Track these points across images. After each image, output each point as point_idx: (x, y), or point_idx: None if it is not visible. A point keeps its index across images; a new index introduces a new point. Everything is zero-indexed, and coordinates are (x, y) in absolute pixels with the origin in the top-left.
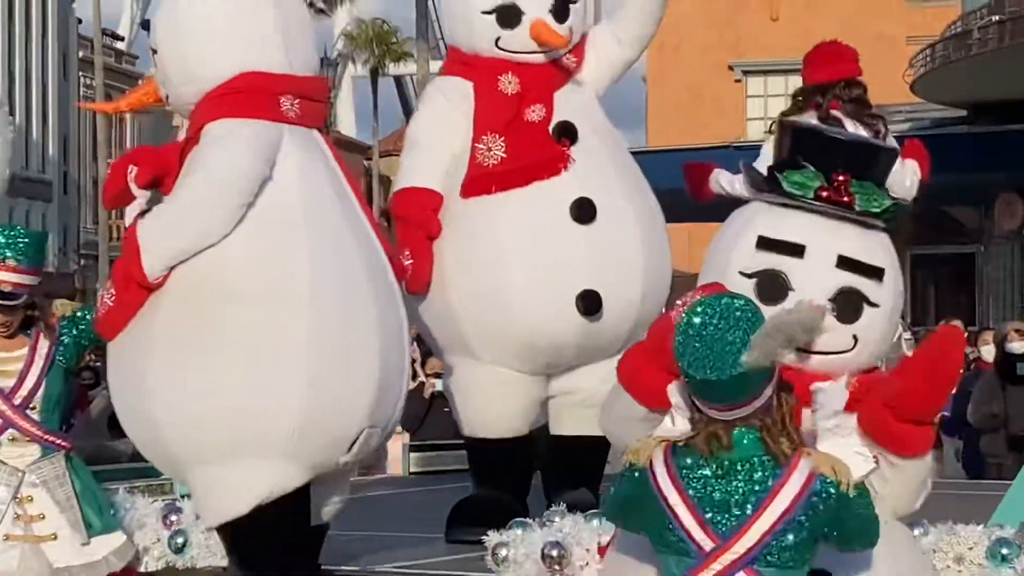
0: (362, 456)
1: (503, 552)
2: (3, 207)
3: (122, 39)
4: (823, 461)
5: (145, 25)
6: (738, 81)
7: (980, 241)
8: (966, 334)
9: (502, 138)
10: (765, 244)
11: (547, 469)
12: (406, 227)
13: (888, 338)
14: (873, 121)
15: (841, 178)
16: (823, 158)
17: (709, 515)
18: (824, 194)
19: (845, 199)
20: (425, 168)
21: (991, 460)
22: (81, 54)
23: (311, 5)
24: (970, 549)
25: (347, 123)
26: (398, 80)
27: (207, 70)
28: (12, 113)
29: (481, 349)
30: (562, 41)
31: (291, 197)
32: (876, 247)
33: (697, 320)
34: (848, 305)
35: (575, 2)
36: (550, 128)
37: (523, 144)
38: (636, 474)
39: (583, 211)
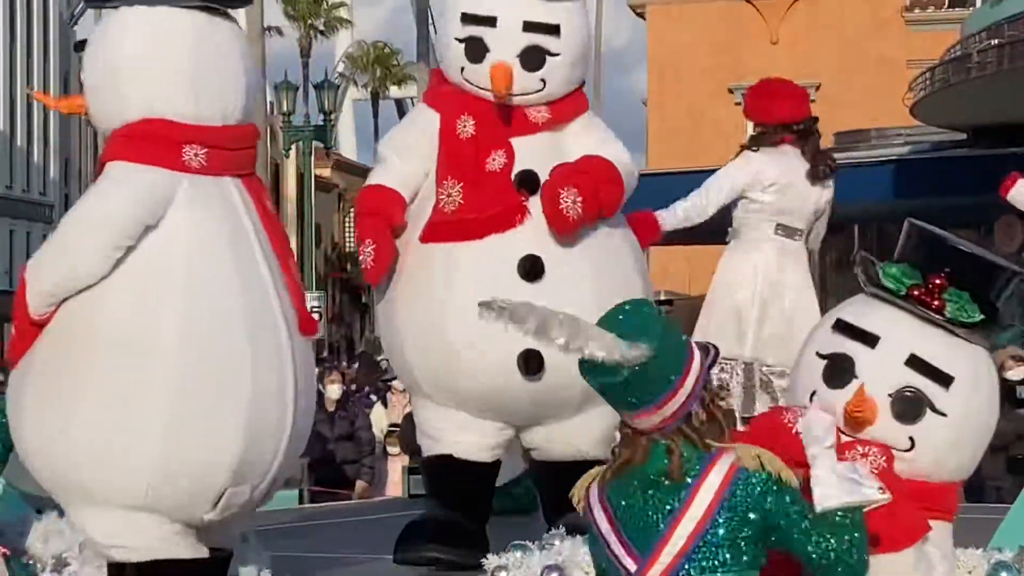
0: (233, 513)
1: (502, 575)
2: (3, 229)
3: None
4: (745, 453)
5: (79, 47)
6: (738, 104)
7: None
8: None
9: (460, 184)
10: (842, 328)
11: (542, 492)
12: (367, 217)
13: (960, 453)
14: (828, 160)
15: (937, 281)
16: (933, 260)
17: (633, 535)
18: (916, 293)
19: (935, 303)
20: (393, 176)
21: (990, 483)
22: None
23: (269, 28)
24: (969, 573)
25: (348, 146)
26: (399, 103)
27: (117, 108)
28: (13, 135)
29: (437, 396)
30: (502, 87)
31: (175, 248)
32: (958, 357)
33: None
34: (908, 405)
35: (555, 55)
36: (512, 177)
37: (481, 194)
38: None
39: (530, 268)
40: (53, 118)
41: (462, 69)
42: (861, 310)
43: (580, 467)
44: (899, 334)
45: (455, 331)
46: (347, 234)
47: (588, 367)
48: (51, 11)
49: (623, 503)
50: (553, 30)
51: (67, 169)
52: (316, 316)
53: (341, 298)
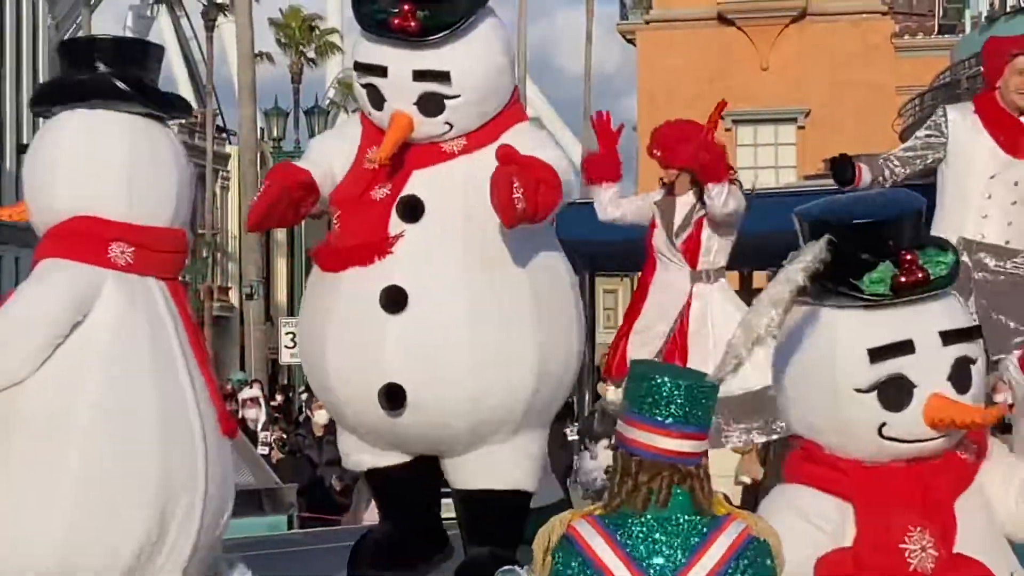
0: None
1: None
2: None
3: None
4: (757, 523)
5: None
6: (728, 130)
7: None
8: None
9: (339, 212)
10: (878, 355)
11: (460, 522)
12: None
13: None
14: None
15: (909, 257)
16: (879, 245)
17: (650, 566)
18: (903, 280)
19: (922, 275)
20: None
21: None
22: None
23: (260, 55)
24: None
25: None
26: None
27: (51, 204)
28: (2, 159)
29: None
30: (382, 156)
31: (96, 340)
32: (957, 306)
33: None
34: (963, 375)
35: (454, 97)
36: (393, 207)
37: (353, 224)
38: (573, 564)
39: (392, 299)
40: None
41: (369, 114)
42: (871, 332)
43: (489, 499)
44: (921, 327)
45: (327, 361)
46: None
47: None
48: (40, 37)
49: (643, 548)
50: (443, 77)
51: None
52: None
53: None
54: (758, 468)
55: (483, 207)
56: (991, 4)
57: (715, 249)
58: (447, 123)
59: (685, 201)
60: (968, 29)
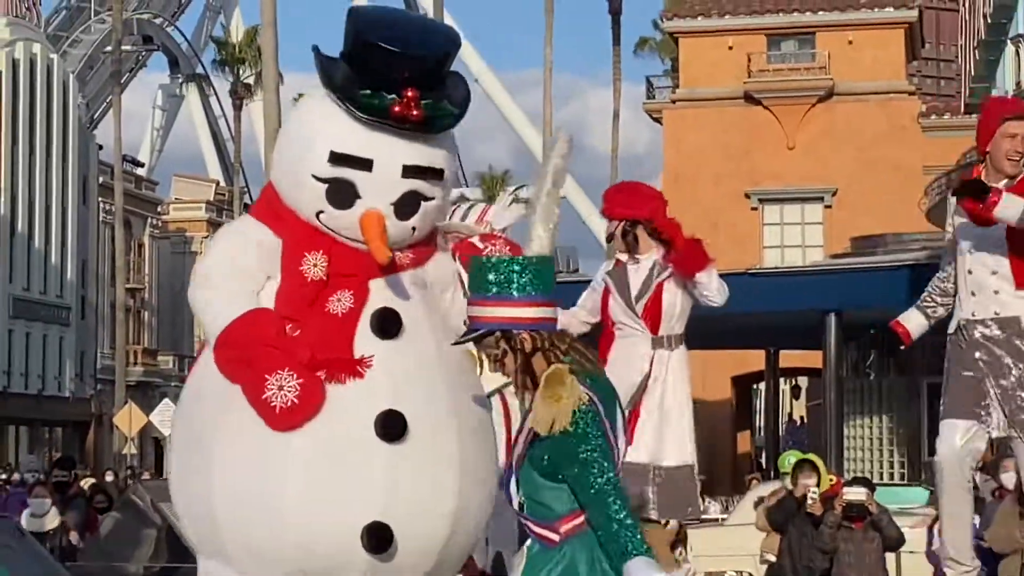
0: None
1: None
2: (20, 331)
3: (142, 165)
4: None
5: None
6: (754, 209)
7: None
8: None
9: (298, 331)
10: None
11: None
12: (261, 347)
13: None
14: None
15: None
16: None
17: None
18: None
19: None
20: (241, 298)
21: None
22: (101, 180)
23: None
24: None
25: None
26: None
27: None
28: (32, 237)
29: (240, 560)
30: (384, 256)
31: None
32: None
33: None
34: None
35: (430, 199)
36: (360, 320)
37: (321, 340)
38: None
39: (389, 426)
40: (71, 221)
41: (319, 213)
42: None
43: None
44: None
45: (288, 481)
46: None
47: None
48: (71, 116)
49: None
50: (437, 175)
51: (84, 271)
52: None
53: None
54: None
55: (441, 324)
56: (1017, 83)
57: (677, 314)
58: (414, 227)
59: (641, 266)
60: None
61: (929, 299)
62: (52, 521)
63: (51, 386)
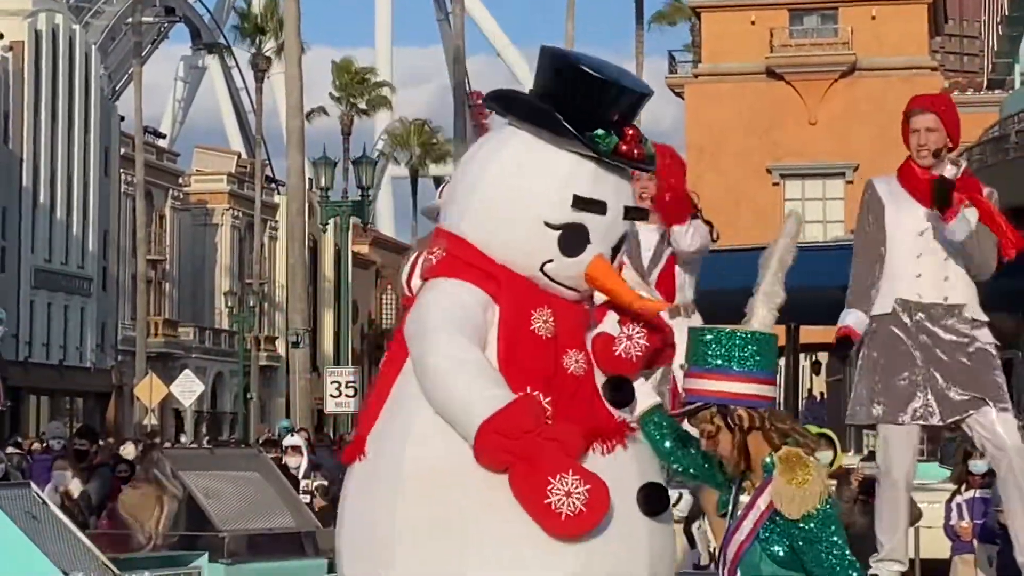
0: None
1: None
2: (42, 301)
3: (163, 136)
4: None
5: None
6: (776, 184)
7: (1018, 347)
8: None
9: (548, 399)
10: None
11: None
12: (541, 450)
13: None
14: None
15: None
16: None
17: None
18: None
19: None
20: (489, 370)
21: None
22: (123, 151)
23: (313, 110)
24: None
25: (386, 223)
26: (437, 181)
27: None
28: (53, 208)
29: None
30: (642, 303)
31: None
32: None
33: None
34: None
35: (626, 241)
36: (599, 385)
37: (570, 406)
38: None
39: (654, 501)
40: (92, 192)
41: (546, 263)
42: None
43: None
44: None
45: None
46: (383, 310)
47: None
48: (92, 87)
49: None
50: (643, 215)
51: (105, 243)
52: (352, 391)
53: (376, 373)
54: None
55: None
56: None
57: (687, 284)
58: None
59: (648, 238)
60: (1017, 84)
61: (860, 299)
62: (74, 491)
63: (72, 357)
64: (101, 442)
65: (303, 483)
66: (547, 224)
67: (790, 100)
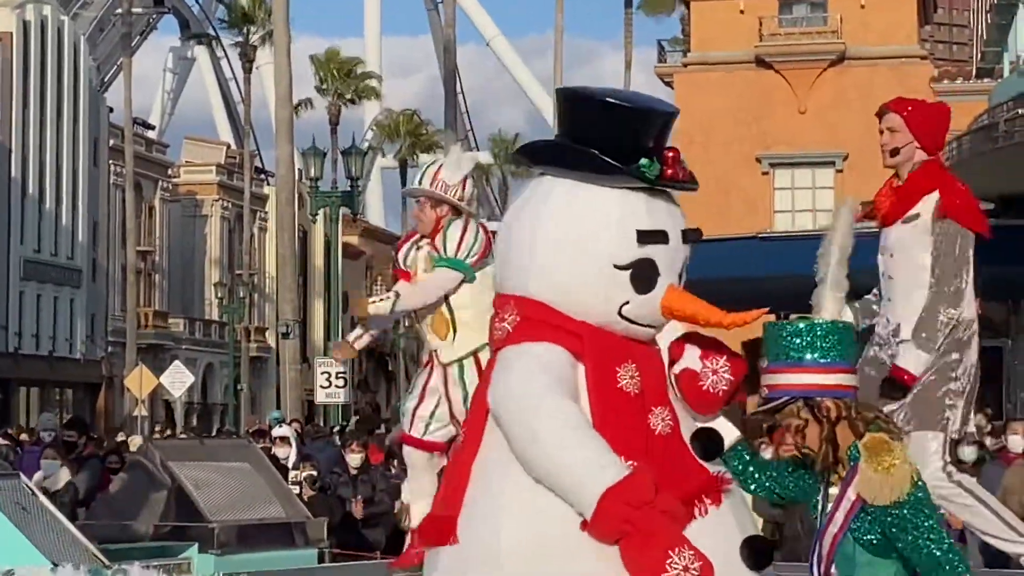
0: None
1: None
2: (32, 292)
3: (152, 128)
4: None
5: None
6: (765, 173)
7: (1007, 335)
8: (991, 426)
9: (633, 463)
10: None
11: None
12: (658, 526)
13: None
14: None
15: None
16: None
17: None
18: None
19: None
20: (594, 438)
21: None
22: (112, 142)
23: (301, 103)
24: None
25: (376, 214)
26: None
27: None
28: (43, 199)
29: None
30: (734, 318)
31: None
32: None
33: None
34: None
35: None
36: (688, 442)
37: (664, 467)
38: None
39: (758, 555)
40: (82, 183)
41: (623, 306)
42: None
43: None
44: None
45: None
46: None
47: None
48: (81, 78)
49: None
50: (699, 236)
51: (95, 234)
52: (342, 382)
53: (367, 365)
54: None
55: None
56: None
57: None
58: None
59: None
60: (1006, 72)
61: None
62: (62, 481)
63: (62, 348)
64: (93, 434)
65: (292, 474)
66: (616, 266)
67: (779, 89)
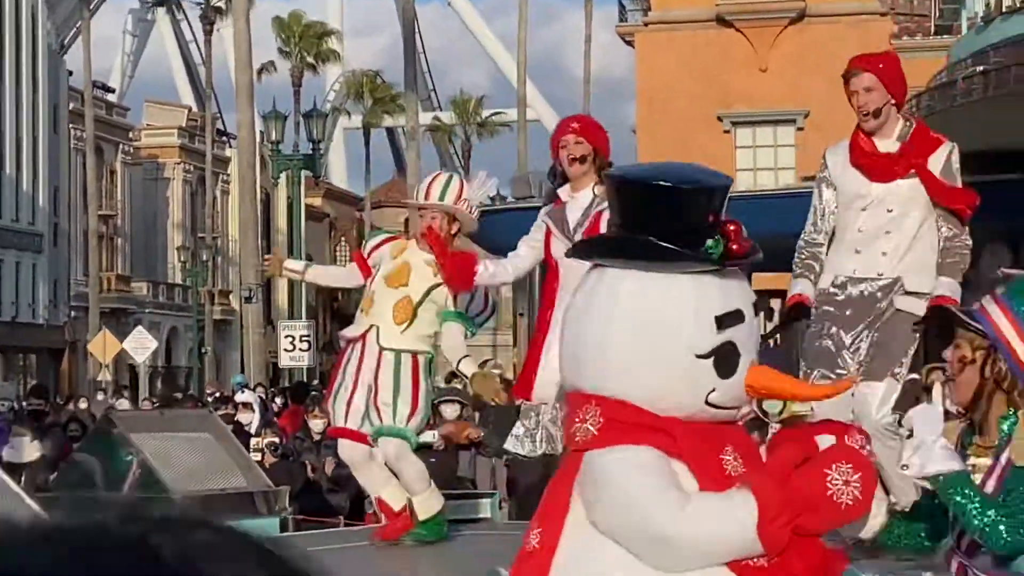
0: None
1: None
2: None
3: (112, 91)
4: None
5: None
6: (726, 132)
7: (968, 290)
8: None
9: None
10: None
11: None
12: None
13: None
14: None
15: (732, 227)
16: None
17: None
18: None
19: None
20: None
21: None
22: (72, 106)
23: (264, 67)
24: None
25: (339, 174)
26: (390, 132)
27: None
28: (2, 165)
29: None
30: (810, 389)
31: None
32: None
33: None
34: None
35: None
36: None
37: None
38: None
39: None
40: (42, 148)
41: (710, 393)
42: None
43: None
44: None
45: None
46: (337, 263)
47: None
48: (40, 41)
49: None
50: (766, 303)
51: (56, 198)
52: (306, 345)
53: (331, 327)
54: None
55: None
56: (987, 4)
57: None
58: None
59: (579, 204)
60: (965, 30)
61: (806, 264)
62: (31, 454)
63: (25, 313)
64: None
65: (254, 440)
66: (697, 356)
67: (740, 47)
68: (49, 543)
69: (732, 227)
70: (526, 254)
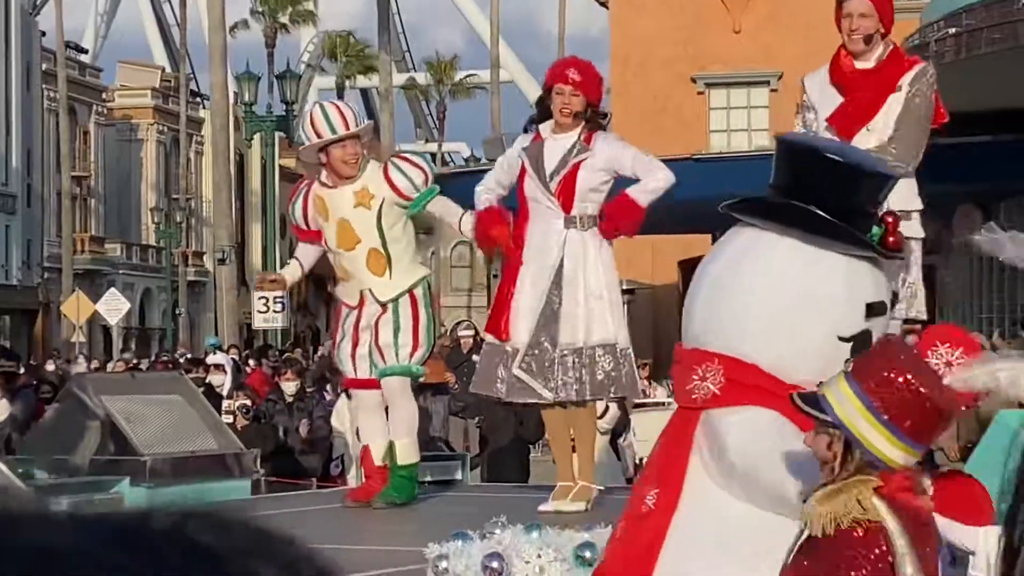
0: None
1: (443, 564)
2: None
3: (86, 51)
4: None
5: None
6: (701, 93)
7: (939, 252)
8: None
9: None
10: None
11: None
12: None
13: None
14: None
15: (891, 220)
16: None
17: None
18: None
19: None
20: None
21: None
22: (44, 67)
23: (236, 25)
24: None
25: None
26: (365, 92)
27: None
28: None
29: None
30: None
31: None
32: None
33: None
34: None
35: None
36: None
37: None
38: None
39: None
40: (15, 109)
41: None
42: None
43: None
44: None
45: None
46: None
47: None
48: (12, 2)
49: None
50: (891, 306)
51: (29, 159)
52: (280, 307)
53: (306, 288)
54: None
55: None
56: None
57: (589, 195)
58: None
59: (560, 146)
60: None
61: None
62: (2, 414)
63: None
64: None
65: (225, 403)
66: (840, 338)
67: (714, 8)
68: (89, 526)
69: (892, 220)
70: (503, 185)
